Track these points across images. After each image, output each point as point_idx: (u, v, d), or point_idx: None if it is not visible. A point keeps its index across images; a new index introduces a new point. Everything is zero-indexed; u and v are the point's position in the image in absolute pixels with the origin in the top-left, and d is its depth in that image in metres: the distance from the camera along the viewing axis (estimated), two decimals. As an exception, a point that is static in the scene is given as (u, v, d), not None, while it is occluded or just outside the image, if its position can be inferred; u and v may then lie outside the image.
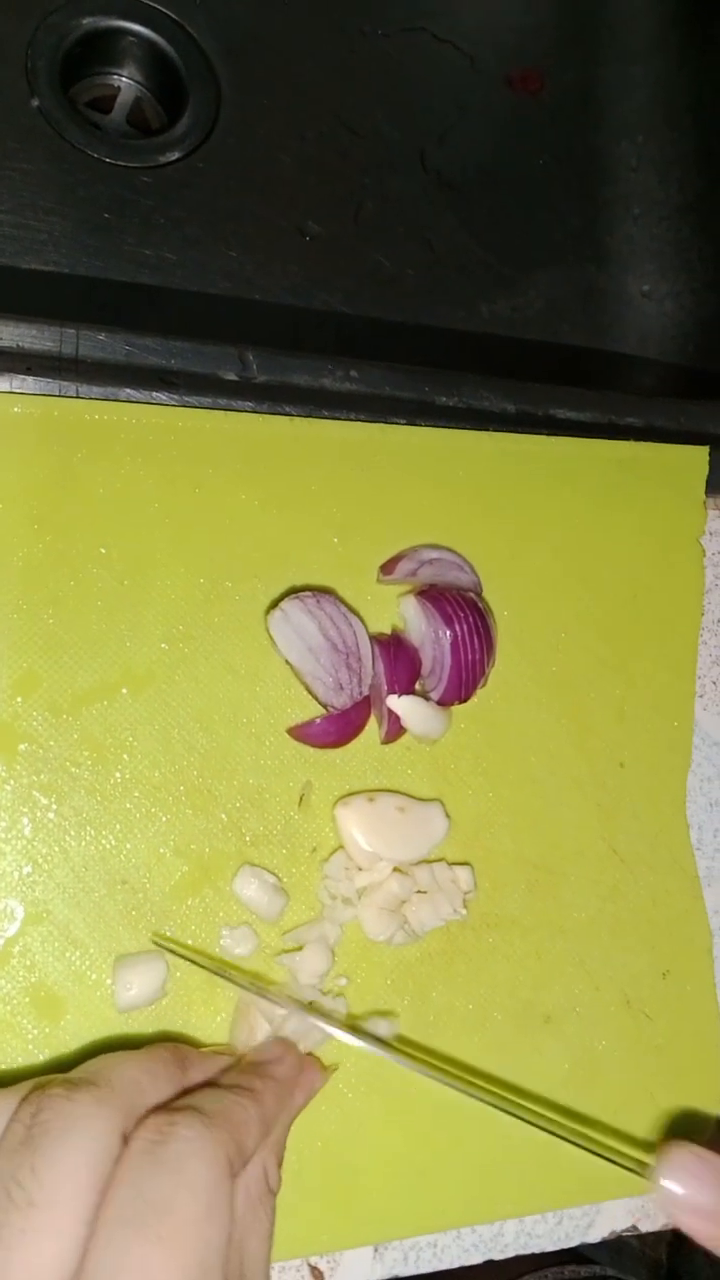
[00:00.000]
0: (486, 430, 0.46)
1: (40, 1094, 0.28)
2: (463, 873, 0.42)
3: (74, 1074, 0.29)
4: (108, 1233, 0.25)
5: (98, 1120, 0.27)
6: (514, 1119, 0.37)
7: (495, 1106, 0.36)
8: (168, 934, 0.38)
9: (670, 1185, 0.34)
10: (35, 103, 0.54)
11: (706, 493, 0.49)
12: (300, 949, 0.39)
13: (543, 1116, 0.41)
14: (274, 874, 0.39)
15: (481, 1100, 0.36)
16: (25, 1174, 0.26)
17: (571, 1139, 0.36)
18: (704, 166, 0.64)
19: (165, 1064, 0.31)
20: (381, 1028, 0.40)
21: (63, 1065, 0.36)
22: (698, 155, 0.64)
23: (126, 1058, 0.31)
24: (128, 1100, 0.28)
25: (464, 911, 0.41)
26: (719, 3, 0.63)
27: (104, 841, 0.38)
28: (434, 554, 0.43)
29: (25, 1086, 0.29)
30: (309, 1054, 0.38)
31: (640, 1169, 0.35)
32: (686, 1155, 0.35)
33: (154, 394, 0.42)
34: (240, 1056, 0.36)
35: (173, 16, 0.58)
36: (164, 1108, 0.29)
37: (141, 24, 0.58)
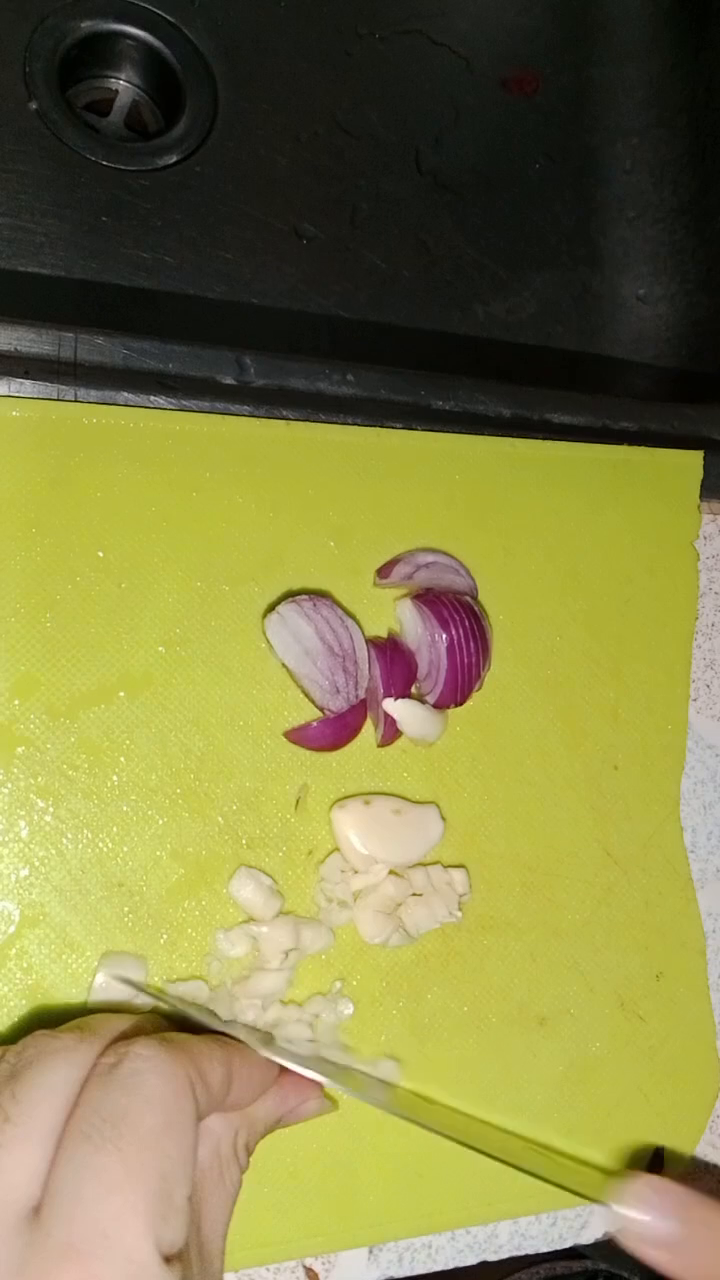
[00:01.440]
0: (482, 434, 0.46)
1: (28, 1036, 0.30)
2: (458, 875, 0.42)
3: (64, 1025, 0.31)
4: (70, 1146, 0.27)
5: (76, 1052, 0.29)
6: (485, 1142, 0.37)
7: (459, 1142, 0.37)
8: (162, 941, 0.38)
9: (629, 1213, 0.35)
10: (33, 105, 0.54)
11: (701, 497, 0.49)
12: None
13: (506, 1142, 0.41)
14: (270, 876, 0.39)
15: (448, 1137, 0.37)
16: (5, 1097, 0.28)
17: (532, 1171, 0.37)
18: (698, 168, 0.64)
19: (148, 1023, 0.33)
20: (386, 1070, 0.40)
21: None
22: (692, 157, 0.64)
23: (113, 1015, 0.33)
24: (107, 1039, 0.30)
25: (459, 914, 0.41)
26: (713, 5, 0.63)
27: (101, 844, 0.38)
28: (430, 558, 0.43)
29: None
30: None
31: (601, 1198, 0.36)
32: (643, 1187, 0.36)
33: (152, 398, 0.42)
34: None
35: (170, 20, 0.58)
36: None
37: (139, 27, 0.58)
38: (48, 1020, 0.36)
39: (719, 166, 0.62)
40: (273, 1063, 0.34)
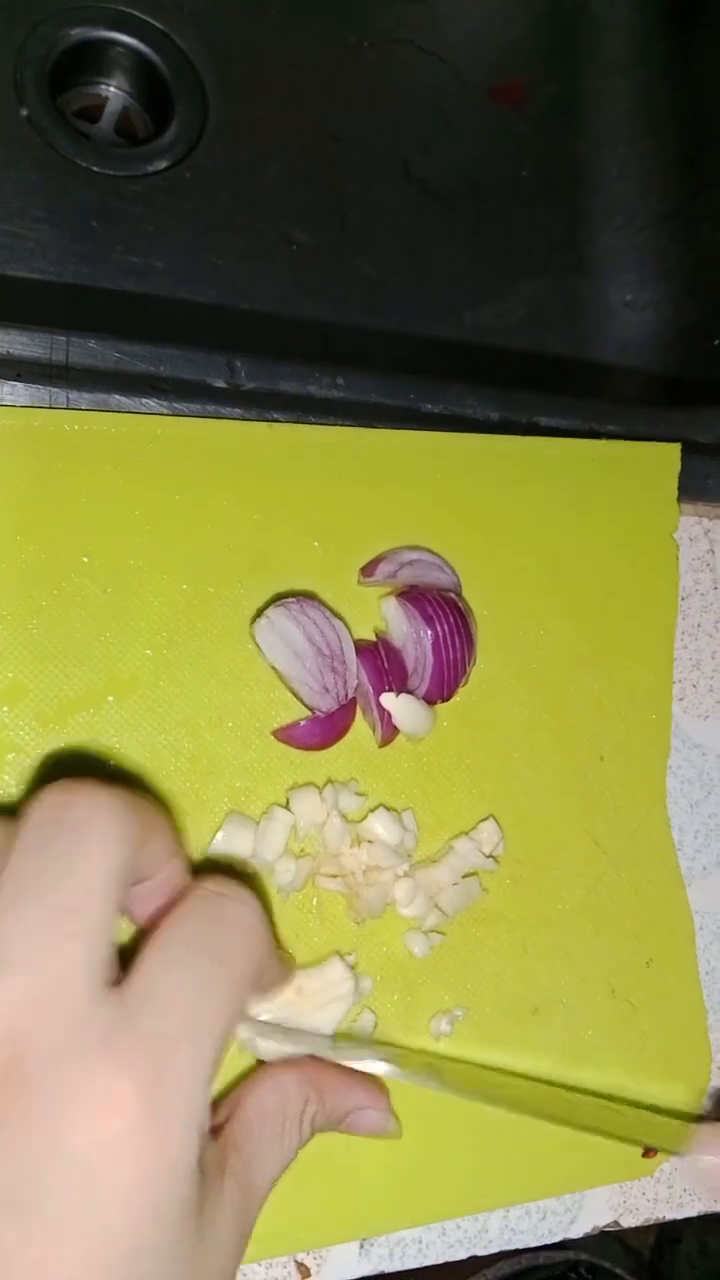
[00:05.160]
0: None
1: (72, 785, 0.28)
2: (487, 828, 0.42)
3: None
4: (176, 953, 0.27)
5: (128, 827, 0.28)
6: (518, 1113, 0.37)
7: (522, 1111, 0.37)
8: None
9: (706, 1159, 0.35)
10: (24, 112, 0.53)
11: (685, 498, 0.48)
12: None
13: (564, 1101, 0.41)
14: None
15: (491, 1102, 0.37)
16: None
17: (603, 1130, 0.37)
18: (684, 176, 0.63)
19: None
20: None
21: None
22: (678, 165, 0.63)
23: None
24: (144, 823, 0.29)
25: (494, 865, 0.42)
26: (699, 16, 0.63)
27: (91, 848, 0.37)
28: (413, 555, 0.42)
29: None
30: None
31: (676, 1148, 0.36)
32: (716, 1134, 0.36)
33: (143, 401, 0.41)
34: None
35: (160, 28, 0.57)
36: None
37: (130, 35, 0.56)
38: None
39: (705, 175, 0.62)
40: None
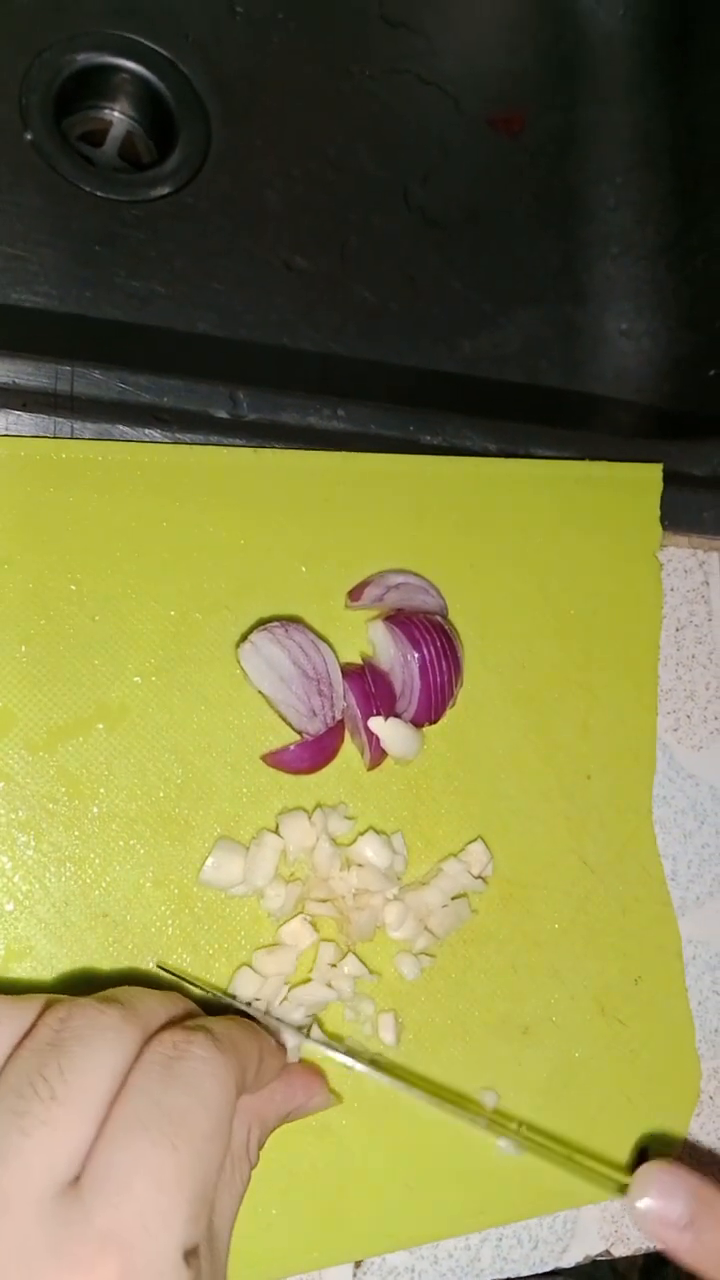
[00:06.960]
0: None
1: (70, 1003, 0.27)
2: (475, 850, 0.41)
3: (98, 995, 0.29)
4: (124, 1134, 0.25)
5: (123, 1033, 0.27)
6: (498, 1134, 0.37)
7: (480, 1124, 0.36)
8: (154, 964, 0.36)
9: (643, 1203, 0.34)
10: (28, 136, 0.52)
11: (680, 530, 0.47)
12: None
13: (524, 1132, 0.40)
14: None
15: (471, 1120, 0.36)
16: (52, 1071, 0.25)
17: (553, 1150, 0.36)
18: (681, 207, 0.62)
19: (178, 1004, 0.31)
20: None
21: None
22: (675, 196, 0.62)
23: (146, 991, 0.30)
24: (148, 1021, 0.28)
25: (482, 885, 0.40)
26: (695, 48, 0.62)
27: (83, 876, 0.35)
28: (400, 579, 0.41)
29: (43, 998, 0.28)
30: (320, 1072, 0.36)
31: (617, 1187, 0.35)
32: (657, 1171, 0.35)
33: (146, 431, 0.40)
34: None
35: (165, 54, 0.56)
36: (176, 1025, 0.29)
37: (134, 61, 0.55)
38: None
39: (701, 205, 0.60)
40: (283, 1050, 0.33)
